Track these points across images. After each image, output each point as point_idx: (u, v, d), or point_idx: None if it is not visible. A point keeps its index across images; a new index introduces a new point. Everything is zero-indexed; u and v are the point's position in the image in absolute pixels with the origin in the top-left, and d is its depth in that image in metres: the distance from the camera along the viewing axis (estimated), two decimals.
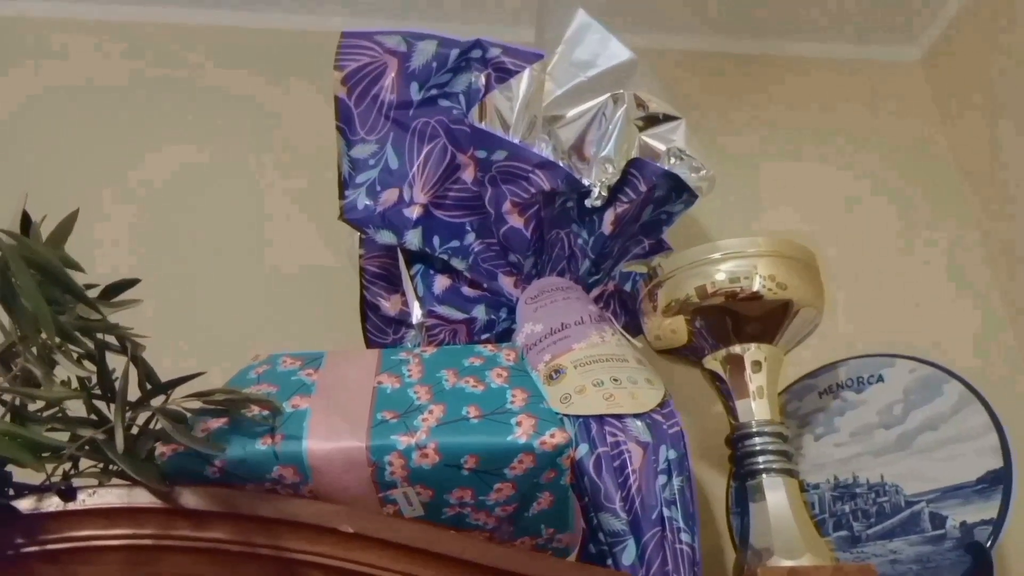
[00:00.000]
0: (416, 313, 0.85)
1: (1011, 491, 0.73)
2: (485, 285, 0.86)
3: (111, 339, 0.54)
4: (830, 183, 1.18)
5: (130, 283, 0.53)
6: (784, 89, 1.23)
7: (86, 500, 0.54)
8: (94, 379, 0.55)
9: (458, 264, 0.85)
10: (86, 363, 0.55)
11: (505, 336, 0.85)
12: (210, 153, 1.08)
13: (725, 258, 0.76)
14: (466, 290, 0.86)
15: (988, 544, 0.71)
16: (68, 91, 1.09)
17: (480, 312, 0.86)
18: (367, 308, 0.88)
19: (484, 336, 0.85)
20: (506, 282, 0.85)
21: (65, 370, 0.52)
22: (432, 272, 0.86)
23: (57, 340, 0.49)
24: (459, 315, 0.85)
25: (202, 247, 1.02)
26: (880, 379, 0.85)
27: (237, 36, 1.15)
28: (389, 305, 0.88)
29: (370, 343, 0.88)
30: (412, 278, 0.85)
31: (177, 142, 1.08)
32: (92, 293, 0.54)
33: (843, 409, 0.86)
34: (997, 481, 0.73)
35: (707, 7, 1.20)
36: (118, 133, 1.08)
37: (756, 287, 0.74)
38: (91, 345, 0.53)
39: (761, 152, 1.18)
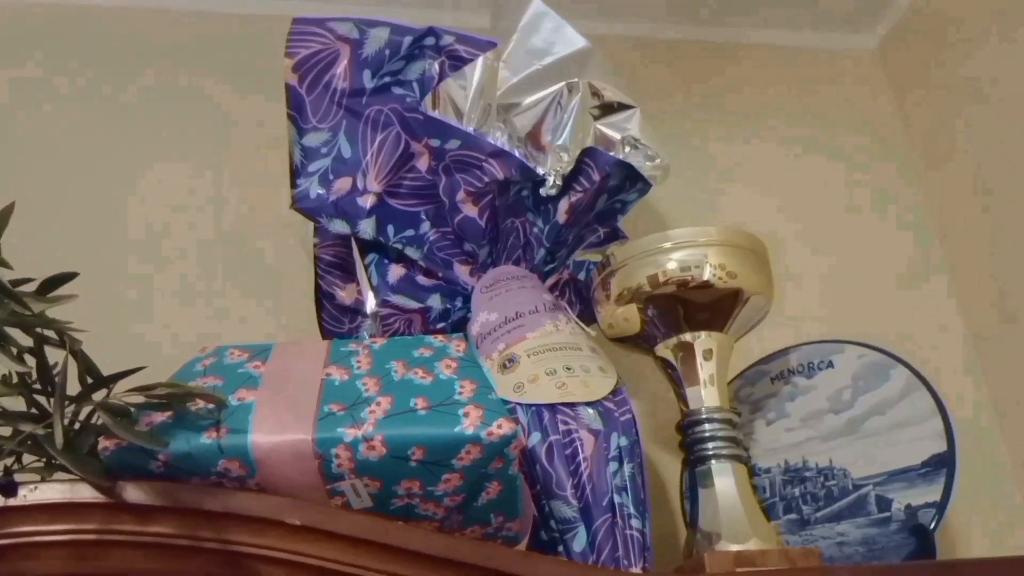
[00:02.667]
0: (370, 302, 0.85)
1: (954, 474, 0.74)
2: (440, 274, 0.85)
3: (50, 334, 0.53)
4: (787, 170, 1.19)
5: (68, 277, 0.53)
6: (741, 76, 1.24)
7: (27, 496, 0.54)
8: (35, 374, 0.54)
9: (413, 253, 0.84)
10: (27, 358, 0.54)
11: (460, 325, 0.85)
12: (160, 141, 1.06)
13: (676, 247, 0.76)
14: (421, 279, 0.86)
15: (932, 526, 0.73)
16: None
17: (435, 301, 0.86)
18: (322, 297, 0.87)
19: (439, 325, 0.85)
20: (461, 271, 0.85)
21: (3, 366, 0.51)
22: (387, 261, 0.86)
23: None
24: (414, 304, 0.85)
25: (154, 236, 1.00)
26: (830, 365, 0.87)
27: (175, 21, 1.12)
28: (344, 294, 0.87)
29: (326, 333, 0.87)
30: (366, 267, 0.85)
31: (125, 134, 1.06)
32: (30, 287, 0.53)
33: (794, 395, 0.88)
34: (941, 465, 0.75)
35: None
36: (69, 128, 1.05)
37: (706, 276, 0.75)
38: (31, 341, 0.53)
39: (717, 138, 1.19)
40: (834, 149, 1.21)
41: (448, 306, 0.86)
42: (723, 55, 1.25)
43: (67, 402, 0.52)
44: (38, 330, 0.52)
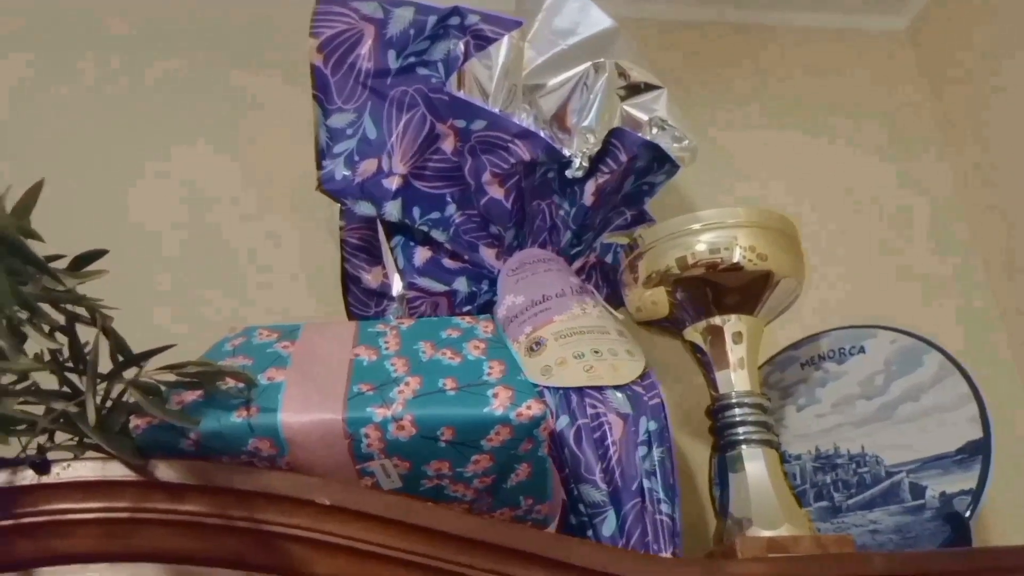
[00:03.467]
0: (397, 286, 0.84)
1: (990, 461, 0.73)
2: (466, 257, 0.85)
3: (82, 311, 0.53)
4: (815, 153, 1.17)
5: (98, 254, 0.52)
6: (767, 59, 1.22)
7: (60, 473, 0.54)
8: (66, 352, 0.54)
9: (439, 236, 0.84)
10: (58, 336, 0.54)
11: (486, 308, 0.85)
12: (185, 125, 1.06)
13: (705, 229, 0.75)
14: (447, 262, 0.85)
15: (967, 514, 0.72)
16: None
17: (461, 284, 0.85)
18: (348, 280, 0.87)
19: (465, 308, 0.85)
20: (487, 254, 0.85)
21: (36, 344, 0.51)
22: (412, 244, 0.85)
23: (25, 313, 0.48)
24: (440, 287, 0.84)
25: (182, 220, 1.00)
26: (861, 350, 0.85)
27: (205, 11, 1.12)
28: (371, 277, 0.87)
29: (352, 315, 0.87)
30: (392, 250, 0.85)
31: (155, 116, 1.06)
32: (62, 264, 0.53)
33: (825, 380, 0.86)
34: (976, 451, 0.74)
35: None
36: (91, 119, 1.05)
37: (736, 258, 0.74)
38: (62, 318, 0.53)
39: (744, 122, 1.18)
40: (861, 132, 1.19)
41: (474, 289, 0.85)
42: (748, 37, 1.23)
43: (98, 380, 0.51)
44: (69, 307, 0.52)
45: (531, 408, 0.57)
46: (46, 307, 0.51)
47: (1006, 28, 1.10)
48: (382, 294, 0.87)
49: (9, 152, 0.98)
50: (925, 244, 1.14)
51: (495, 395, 0.58)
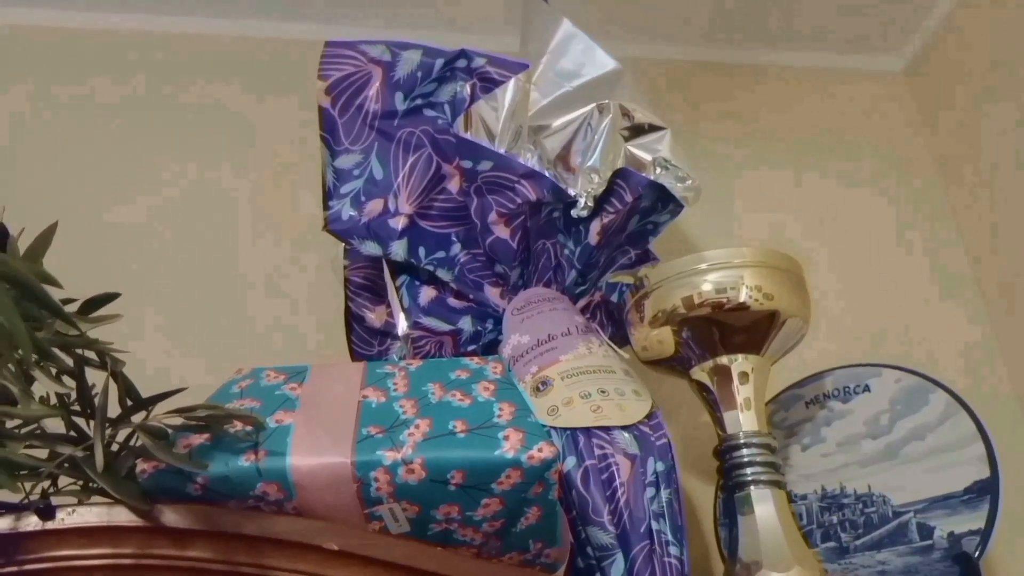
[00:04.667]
0: (402, 325, 0.84)
1: (998, 501, 0.73)
2: (471, 296, 0.85)
3: (91, 355, 0.53)
4: (816, 192, 1.18)
5: (109, 297, 0.52)
6: (768, 98, 1.24)
7: (65, 519, 0.53)
8: (73, 395, 0.54)
9: (444, 275, 0.84)
10: (65, 379, 0.54)
11: (491, 347, 0.85)
12: (190, 165, 1.06)
13: (711, 268, 0.76)
14: (452, 301, 0.85)
15: (976, 554, 0.71)
16: (43, 102, 1.07)
17: (466, 323, 0.85)
18: (352, 319, 0.87)
19: (470, 347, 0.85)
20: (492, 293, 0.85)
21: (43, 386, 0.51)
22: (418, 283, 0.85)
23: (35, 357, 0.48)
24: (445, 326, 0.84)
25: (183, 261, 1.00)
26: (867, 389, 0.85)
27: (212, 44, 1.14)
28: (374, 316, 0.87)
29: (355, 355, 0.87)
30: (397, 289, 0.85)
31: (159, 154, 1.06)
32: (71, 307, 0.53)
33: (830, 419, 0.86)
34: (984, 491, 0.73)
35: (692, 17, 1.20)
36: (101, 149, 1.06)
37: (743, 298, 0.74)
38: (70, 361, 0.52)
39: (745, 161, 1.19)
40: (859, 171, 1.20)
41: (479, 328, 0.85)
42: (747, 77, 1.25)
43: (106, 424, 0.51)
44: (79, 351, 0.52)
45: (542, 451, 0.57)
46: (55, 351, 0.51)
47: (1002, 70, 1.11)
48: (386, 333, 0.87)
49: (16, 183, 0.99)
50: (927, 283, 1.14)
51: (506, 437, 0.58)
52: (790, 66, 1.27)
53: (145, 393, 0.56)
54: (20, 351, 0.45)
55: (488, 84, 0.82)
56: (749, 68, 1.26)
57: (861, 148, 1.22)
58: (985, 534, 0.72)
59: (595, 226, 0.83)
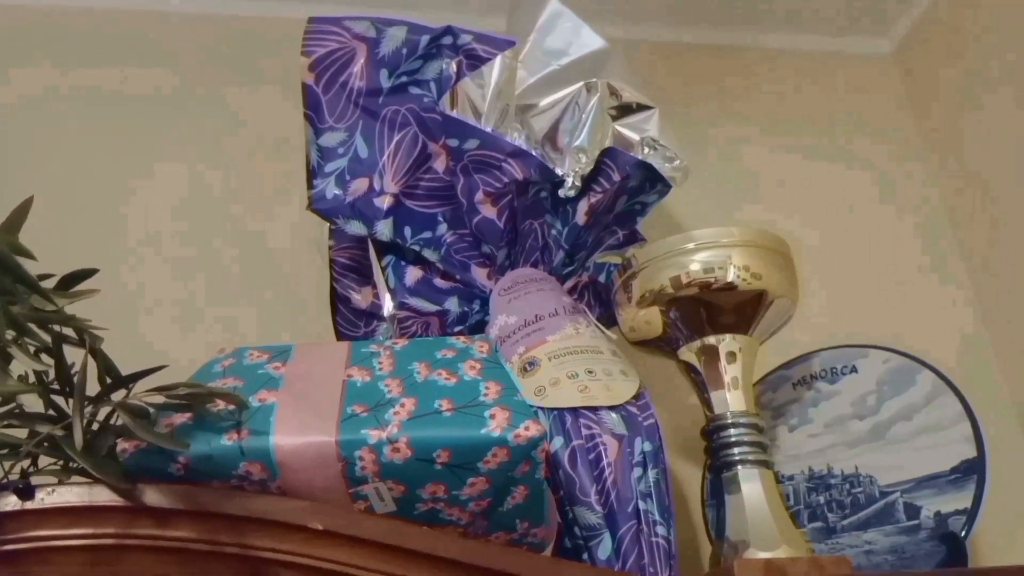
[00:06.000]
0: (388, 305, 0.83)
1: (984, 481, 0.73)
2: (458, 276, 0.84)
3: (69, 332, 0.52)
4: (804, 173, 1.18)
5: (88, 273, 0.51)
6: (757, 80, 1.23)
7: (45, 499, 0.52)
8: (52, 373, 0.53)
9: (430, 255, 0.83)
10: (43, 357, 0.53)
11: (478, 328, 0.84)
12: (175, 143, 1.05)
13: (699, 248, 0.75)
14: (438, 282, 0.85)
15: (962, 534, 0.71)
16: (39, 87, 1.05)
17: (453, 304, 0.84)
18: (337, 301, 0.86)
19: (457, 328, 0.84)
20: (479, 273, 0.84)
21: (21, 364, 0.50)
22: (404, 263, 0.85)
23: (11, 333, 0.47)
24: (431, 307, 0.84)
25: (169, 239, 0.99)
26: (854, 370, 0.85)
27: (197, 24, 1.12)
28: (360, 297, 0.86)
29: (341, 336, 0.86)
30: (383, 270, 0.84)
31: (141, 137, 1.05)
32: (49, 284, 0.52)
33: (817, 400, 0.86)
34: (971, 471, 0.73)
35: None
36: (88, 134, 1.04)
37: (730, 277, 0.74)
38: (48, 338, 0.51)
39: (734, 142, 1.18)
40: (849, 153, 1.20)
41: (466, 309, 0.84)
42: (737, 59, 1.24)
43: (86, 402, 0.50)
44: (57, 328, 0.51)
45: (529, 429, 0.56)
46: (32, 327, 0.50)
47: (991, 51, 1.11)
48: (371, 314, 0.86)
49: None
50: (916, 264, 1.14)
51: (492, 416, 0.57)
52: (778, 48, 1.26)
53: (126, 371, 0.55)
54: None
55: (474, 61, 0.81)
56: (737, 50, 1.25)
57: (850, 130, 1.22)
58: (971, 514, 0.72)
59: (583, 206, 0.82)
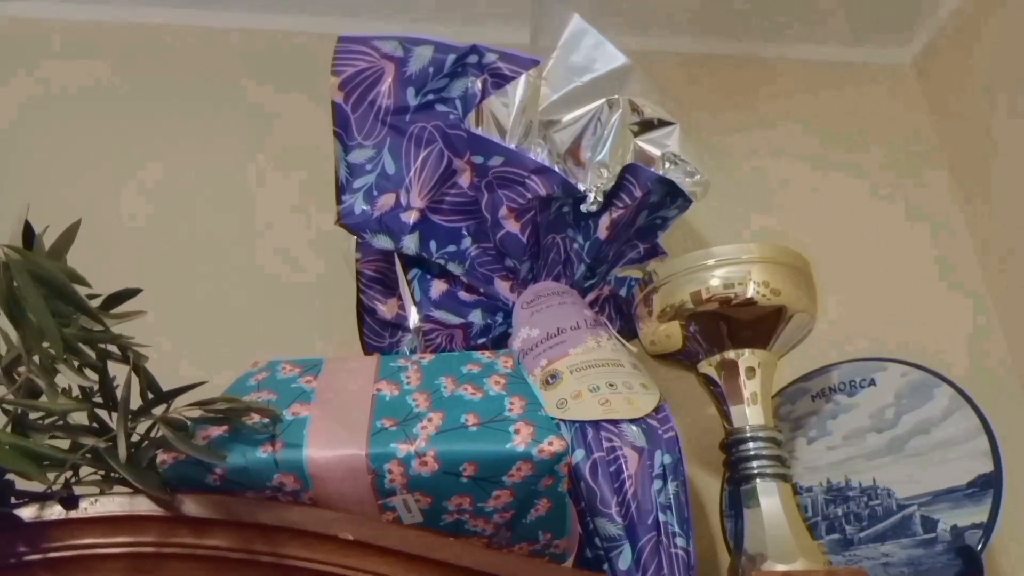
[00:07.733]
0: (413, 318, 0.85)
1: (1001, 495, 0.73)
2: (481, 290, 0.86)
3: (113, 349, 0.54)
4: (823, 185, 1.19)
5: (132, 293, 0.54)
6: (776, 91, 1.24)
7: (88, 508, 0.55)
8: (96, 388, 0.55)
9: (455, 269, 0.85)
10: (88, 372, 0.55)
11: (501, 340, 0.86)
12: (205, 159, 1.07)
13: (719, 264, 0.77)
14: (463, 295, 0.86)
15: (979, 548, 0.72)
16: (57, 96, 1.08)
17: (476, 317, 0.86)
18: (364, 312, 0.88)
19: (480, 340, 0.86)
20: (502, 287, 0.86)
21: (67, 379, 0.52)
22: (429, 277, 0.87)
23: (62, 353, 0.49)
24: (455, 320, 0.85)
25: (199, 255, 1.01)
26: (872, 383, 0.86)
27: (229, 38, 1.15)
28: (386, 309, 0.88)
29: (367, 346, 0.88)
30: (409, 283, 0.86)
31: (172, 149, 1.07)
32: (94, 302, 0.54)
33: (836, 412, 0.87)
34: (988, 485, 0.74)
35: (700, 10, 1.20)
36: (113, 140, 1.07)
37: (750, 293, 0.75)
38: (93, 355, 0.54)
39: (753, 154, 1.19)
40: (869, 163, 1.21)
41: (489, 321, 0.86)
42: (756, 70, 1.25)
43: (129, 416, 0.52)
44: (102, 345, 0.53)
45: (553, 444, 0.58)
46: (81, 346, 0.52)
47: (1010, 61, 1.11)
48: (397, 325, 0.88)
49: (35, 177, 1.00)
50: (934, 276, 1.14)
51: (517, 431, 0.59)
52: (798, 59, 1.27)
53: (166, 387, 0.57)
54: (50, 348, 0.46)
55: (499, 80, 0.83)
56: (757, 61, 1.26)
57: (869, 140, 1.22)
58: (988, 528, 0.73)
59: (604, 221, 0.84)
